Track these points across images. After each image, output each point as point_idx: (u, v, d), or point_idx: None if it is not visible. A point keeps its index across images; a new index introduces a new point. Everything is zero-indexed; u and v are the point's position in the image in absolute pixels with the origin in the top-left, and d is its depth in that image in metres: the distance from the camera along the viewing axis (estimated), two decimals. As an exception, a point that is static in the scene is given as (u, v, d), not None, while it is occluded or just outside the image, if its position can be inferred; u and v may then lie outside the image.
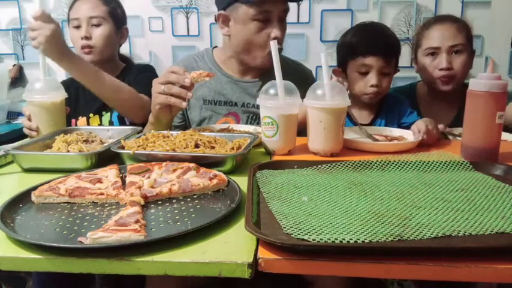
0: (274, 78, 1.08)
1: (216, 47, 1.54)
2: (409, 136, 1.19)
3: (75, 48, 1.60)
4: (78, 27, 1.56)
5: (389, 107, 1.49)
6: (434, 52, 1.48)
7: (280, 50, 1.31)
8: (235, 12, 1.33)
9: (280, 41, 1.32)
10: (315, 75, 1.65)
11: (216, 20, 1.40)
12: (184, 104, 1.12)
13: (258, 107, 1.43)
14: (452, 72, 1.46)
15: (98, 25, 1.55)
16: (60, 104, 1.24)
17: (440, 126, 1.27)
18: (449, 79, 1.47)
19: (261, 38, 1.32)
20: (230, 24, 1.36)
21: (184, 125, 1.51)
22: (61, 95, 1.24)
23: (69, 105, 1.50)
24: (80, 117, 1.59)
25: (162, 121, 1.23)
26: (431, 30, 1.50)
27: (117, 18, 1.61)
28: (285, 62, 1.46)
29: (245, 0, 1.29)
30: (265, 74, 1.42)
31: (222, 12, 1.37)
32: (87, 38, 1.54)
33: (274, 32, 1.31)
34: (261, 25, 1.31)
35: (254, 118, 1.45)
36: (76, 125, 1.56)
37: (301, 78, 1.33)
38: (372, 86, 1.40)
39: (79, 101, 1.64)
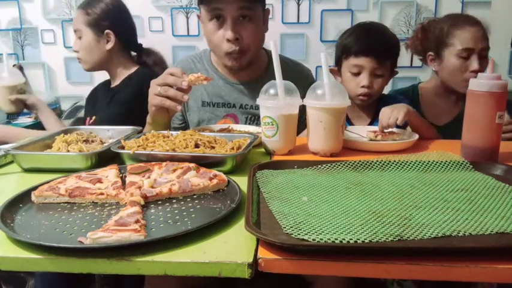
0: (270, 80, 1.08)
1: None
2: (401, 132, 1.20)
3: None
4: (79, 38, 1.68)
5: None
6: (467, 54, 1.45)
7: (241, 53, 1.31)
8: (201, 12, 1.35)
9: (242, 43, 1.30)
10: (314, 75, 1.65)
11: None
12: (179, 108, 1.12)
13: (256, 107, 1.43)
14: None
15: (80, 37, 1.66)
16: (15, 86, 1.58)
17: None
18: None
19: (217, 38, 1.32)
20: (202, 25, 1.39)
21: (185, 127, 1.51)
22: (18, 78, 1.60)
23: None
24: (94, 117, 1.65)
25: (159, 122, 1.22)
26: (465, 30, 1.46)
27: (96, 26, 1.64)
28: (284, 62, 1.46)
29: (199, 1, 1.33)
30: (261, 76, 1.42)
31: (198, 13, 1.40)
32: (76, 51, 1.68)
33: (227, 33, 1.28)
34: (217, 25, 1.30)
35: (253, 119, 1.45)
36: (90, 123, 1.66)
37: (299, 78, 1.33)
38: (362, 86, 1.39)
39: (92, 104, 1.76)
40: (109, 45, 1.65)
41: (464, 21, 1.49)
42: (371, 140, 1.15)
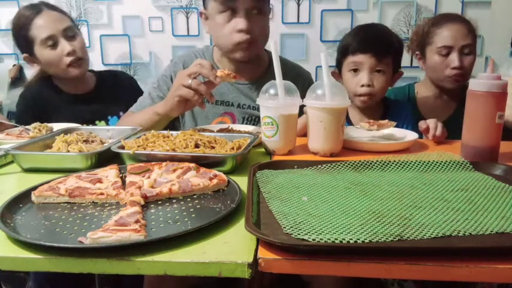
0: (268, 81, 1.08)
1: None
2: (399, 133, 1.20)
3: (58, 67, 1.51)
4: (53, 45, 1.48)
5: (392, 113, 1.46)
6: (446, 51, 1.48)
7: (250, 43, 1.31)
8: (208, 8, 1.35)
9: (253, 34, 1.31)
10: (315, 75, 1.65)
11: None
12: (204, 106, 1.13)
13: (253, 108, 1.43)
14: (463, 71, 1.47)
15: (73, 36, 1.51)
16: None
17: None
18: (460, 77, 1.48)
19: (227, 29, 1.32)
20: (208, 21, 1.39)
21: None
22: None
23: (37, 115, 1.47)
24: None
25: (171, 115, 1.21)
26: (444, 28, 1.49)
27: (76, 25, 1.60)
28: (283, 64, 1.45)
29: None
30: (261, 77, 1.42)
31: (202, 10, 1.40)
32: (75, 51, 1.49)
33: (240, 23, 1.29)
34: (227, 17, 1.31)
35: (250, 120, 1.45)
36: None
37: (298, 80, 1.33)
38: (362, 85, 1.37)
39: (49, 110, 1.56)
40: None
41: (446, 19, 1.52)
42: (367, 130, 1.16)
